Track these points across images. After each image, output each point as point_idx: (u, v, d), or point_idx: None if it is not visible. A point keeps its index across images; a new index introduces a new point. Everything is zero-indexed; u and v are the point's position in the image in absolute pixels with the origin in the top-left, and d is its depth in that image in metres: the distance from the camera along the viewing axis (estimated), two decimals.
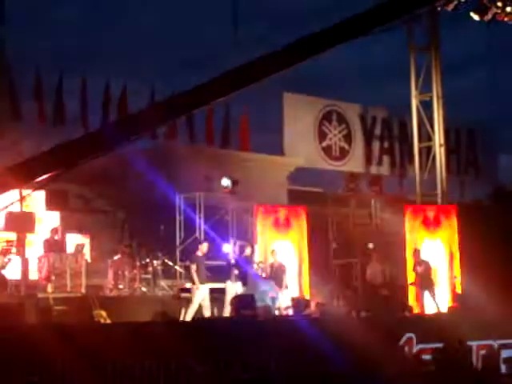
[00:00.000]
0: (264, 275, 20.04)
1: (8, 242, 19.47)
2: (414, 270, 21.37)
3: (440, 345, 16.66)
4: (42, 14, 42.36)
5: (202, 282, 18.93)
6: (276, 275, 20.02)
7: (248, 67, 9.84)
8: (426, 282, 21.09)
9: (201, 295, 18.83)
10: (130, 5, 47.17)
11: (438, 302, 21.05)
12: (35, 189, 10.29)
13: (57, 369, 12.84)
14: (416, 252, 21.66)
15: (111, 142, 8.90)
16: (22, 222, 18.67)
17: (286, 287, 20.05)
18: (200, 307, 18.81)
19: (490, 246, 22.79)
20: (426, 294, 21.10)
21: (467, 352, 16.75)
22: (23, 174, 9.44)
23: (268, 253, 21.12)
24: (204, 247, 19.57)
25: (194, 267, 19.03)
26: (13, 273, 18.57)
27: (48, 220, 20.27)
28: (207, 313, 18.76)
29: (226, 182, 21.98)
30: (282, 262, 20.46)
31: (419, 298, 21.27)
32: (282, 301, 19.47)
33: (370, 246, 22.01)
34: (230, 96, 10.01)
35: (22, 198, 16.19)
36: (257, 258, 20.71)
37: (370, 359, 15.33)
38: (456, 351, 16.37)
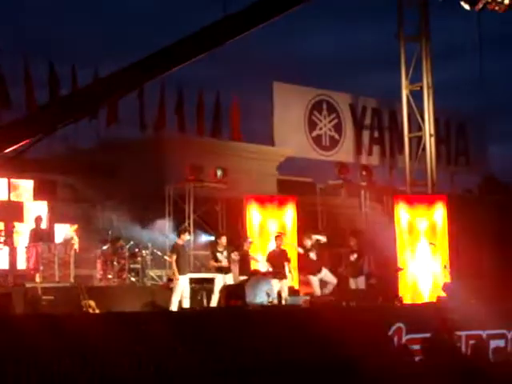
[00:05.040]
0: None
1: None
2: (347, 256, 21.06)
3: (428, 335, 16.66)
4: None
5: (182, 273, 18.67)
6: (278, 262, 19.89)
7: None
8: (355, 270, 20.80)
9: (181, 285, 18.57)
10: None
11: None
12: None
13: (44, 359, 12.77)
14: (354, 238, 21.32)
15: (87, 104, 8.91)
16: (9, 212, 18.60)
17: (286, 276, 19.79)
18: (180, 298, 18.57)
19: (479, 235, 22.83)
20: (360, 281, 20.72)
21: (456, 342, 16.74)
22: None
23: (259, 243, 21.13)
24: (186, 236, 19.31)
25: (173, 257, 18.73)
26: (0, 262, 18.49)
27: (36, 210, 20.19)
28: (186, 303, 18.51)
29: (219, 172, 22.11)
30: (285, 249, 20.26)
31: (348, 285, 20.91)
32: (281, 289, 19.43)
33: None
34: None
35: None
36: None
37: (359, 349, 15.33)
38: (445, 341, 16.36)
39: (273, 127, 26.44)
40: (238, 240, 20.88)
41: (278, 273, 19.60)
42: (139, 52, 11.48)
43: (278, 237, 20.45)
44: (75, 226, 20.60)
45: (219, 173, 22.74)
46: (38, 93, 23.25)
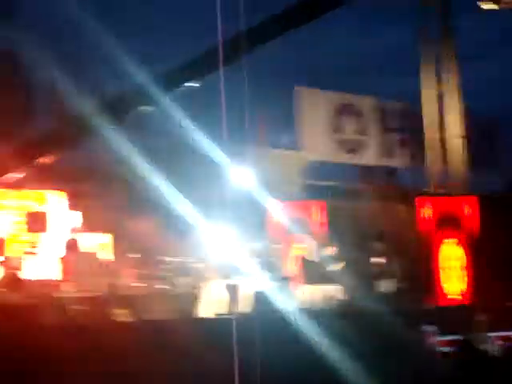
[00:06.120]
0: None
1: (27, 242, 19.60)
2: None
3: (459, 337, 16.64)
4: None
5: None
6: None
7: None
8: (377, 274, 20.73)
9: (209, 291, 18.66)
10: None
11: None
12: None
13: (74, 370, 12.84)
14: (379, 242, 21.29)
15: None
16: (36, 222, 18.77)
17: None
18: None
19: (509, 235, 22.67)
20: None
21: (485, 343, 16.72)
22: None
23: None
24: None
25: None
26: (29, 273, 18.63)
27: (67, 220, 20.35)
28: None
29: None
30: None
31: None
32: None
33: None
34: None
35: None
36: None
37: (387, 351, 15.34)
38: (475, 343, 16.35)
39: (297, 132, 26.48)
40: None
41: None
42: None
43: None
44: (108, 235, 20.71)
45: None
46: None
